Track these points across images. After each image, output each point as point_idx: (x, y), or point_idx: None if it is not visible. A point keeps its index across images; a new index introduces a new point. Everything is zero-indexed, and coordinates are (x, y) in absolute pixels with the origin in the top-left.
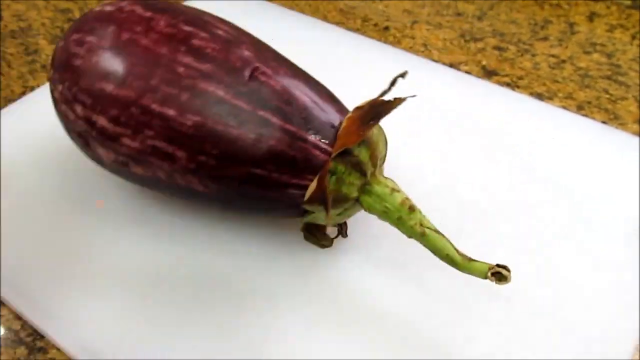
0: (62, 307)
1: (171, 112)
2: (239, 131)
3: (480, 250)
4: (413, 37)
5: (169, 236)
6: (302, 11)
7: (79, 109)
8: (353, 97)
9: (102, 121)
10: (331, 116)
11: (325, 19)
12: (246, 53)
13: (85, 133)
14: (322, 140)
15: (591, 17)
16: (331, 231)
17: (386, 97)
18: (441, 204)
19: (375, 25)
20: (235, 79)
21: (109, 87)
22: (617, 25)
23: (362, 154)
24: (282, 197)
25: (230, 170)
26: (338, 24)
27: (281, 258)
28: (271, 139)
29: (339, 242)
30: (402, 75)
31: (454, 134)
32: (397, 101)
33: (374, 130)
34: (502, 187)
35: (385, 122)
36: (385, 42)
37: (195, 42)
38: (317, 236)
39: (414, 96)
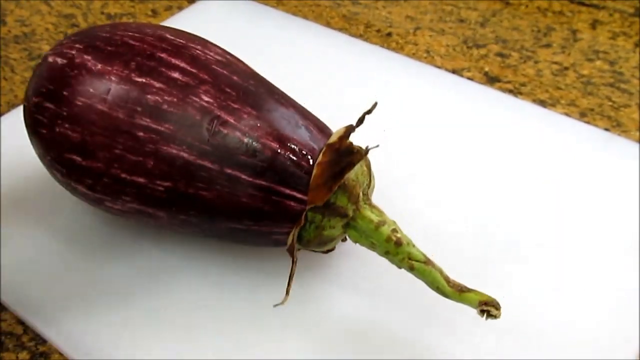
0: (65, 312)
1: (141, 180)
2: (210, 193)
3: (478, 258)
4: (416, 44)
5: (159, 253)
6: (305, 17)
7: (57, 175)
8: (355, 104)
9: (81, 188)
10: (304, 157)
11: (328, 25)
12: (205, 99)
13: (73, 192)
14: (296, 190)
15: (594, 24)
16: None
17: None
18: (441, 211)
19: (378, 31)
20: (196, 136)
21: (78, 159)
22: (619, 33)
23: (339, 200)
24: (267, 242)
25: (211, 225)
26: (341, 30)
27: (267, 285)
28: (243, 197)
29: (326, 267)
30: (369, 112)
31: (455, 141)
32: (360, 155)
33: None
34: (504, 193)
35: (387, 129)
36: (388, 48)
37: (151, 98)
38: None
39: (376, 146)
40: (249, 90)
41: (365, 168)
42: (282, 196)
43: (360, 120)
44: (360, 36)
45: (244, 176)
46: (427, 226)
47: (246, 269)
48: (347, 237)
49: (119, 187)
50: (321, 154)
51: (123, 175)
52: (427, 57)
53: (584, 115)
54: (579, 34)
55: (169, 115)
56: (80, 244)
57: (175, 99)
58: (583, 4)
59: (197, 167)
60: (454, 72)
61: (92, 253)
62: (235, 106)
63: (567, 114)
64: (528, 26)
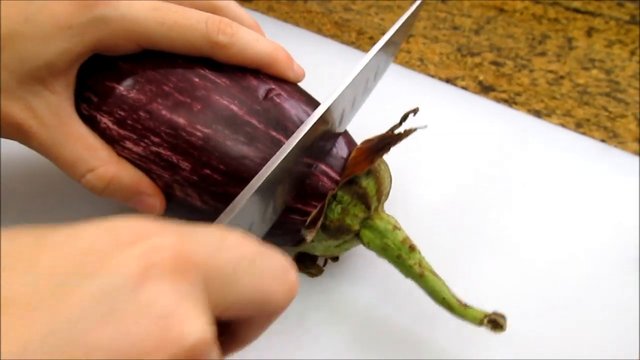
0: None
1: (181, 121)
2: (249, 148)
3: (476, 272)
4: (409, 51)
5: None
6: (296, 24)
7: (84, 105)
8: None
9: (106, 121)
10: (341, 146)
11: (319, 32)
12: (263, 74)
13: (92, 126)
14: (331, 169)
15: (590, 32)
16: (320, 260)
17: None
18: (435, 221)
19: (371, 38)
20: (249, 96)
21: (119, 88)
22: (615, 41)
23: (370, 187)
24: (283, 221)
25: (234, 187)
26: (333, 37)
27: None
28: None
29: (336, 264)
30: (414, 111)
31: (449, 152)
32: (407, 132)
33: (382, 166)
34: (499, 206)
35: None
36: None
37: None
38: (306, 264)
39: (425, 127)
40: (298, 86)
41: (389, 176)
42: (318, 169)
43: (403, 119)
44: (352, 43)
45: (285, 141)
46: (420, 236)
47: None
48: (337, 257)
49: (153, 124)
50: (360, 144)
51: (164, 112)
52: (421, 65)
53: (579, 126)
54: (574, 42)
55: (229, 74)
56: None
57: (237, 67)
58: (578, 11)
59: (243, 122)
60: (447, 81)
61: None
62: (288, 88)
63: (562, 125)
64: (523, 34)
